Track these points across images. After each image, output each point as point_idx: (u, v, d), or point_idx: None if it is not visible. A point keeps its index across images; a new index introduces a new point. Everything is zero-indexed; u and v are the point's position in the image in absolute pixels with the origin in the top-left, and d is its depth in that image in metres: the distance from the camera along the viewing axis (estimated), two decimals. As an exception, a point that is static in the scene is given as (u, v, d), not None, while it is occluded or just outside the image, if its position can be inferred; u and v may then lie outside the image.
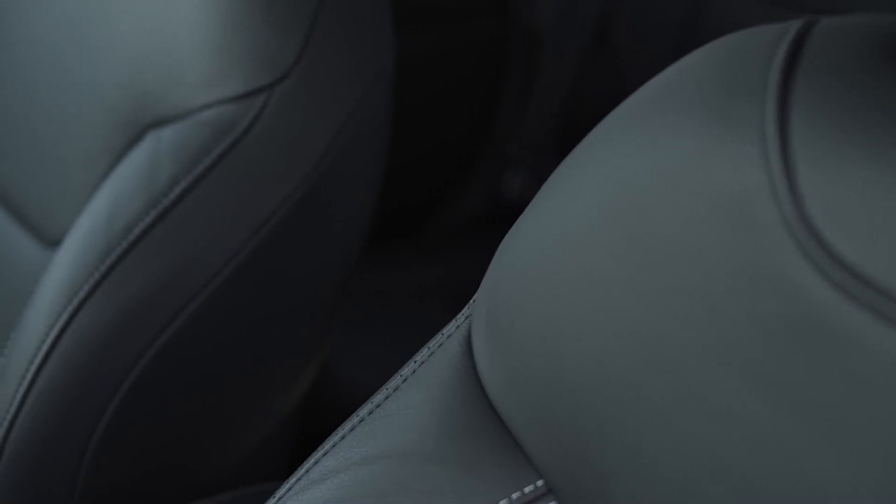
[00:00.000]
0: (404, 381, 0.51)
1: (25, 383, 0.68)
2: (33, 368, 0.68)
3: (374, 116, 0.73)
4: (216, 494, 0.76)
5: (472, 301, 0.51)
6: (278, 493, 0.51)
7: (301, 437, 0.86)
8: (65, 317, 0.68)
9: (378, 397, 0.51)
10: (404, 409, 0.50)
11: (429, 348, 0.51)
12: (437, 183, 1.42)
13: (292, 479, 0.51)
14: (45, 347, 0.68)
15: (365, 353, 1.10)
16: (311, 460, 0.51)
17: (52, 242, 0.77)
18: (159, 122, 0.71)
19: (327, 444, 0.51)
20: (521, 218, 0.50)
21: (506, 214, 1.47)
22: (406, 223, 1.37)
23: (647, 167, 0.43)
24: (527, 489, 0.46)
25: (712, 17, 1.29)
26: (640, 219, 0.43)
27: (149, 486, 0.74)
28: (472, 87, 1.40)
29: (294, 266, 0.72)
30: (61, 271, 0.69)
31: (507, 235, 0.50)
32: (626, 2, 1.36)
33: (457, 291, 1.32)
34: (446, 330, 0.51)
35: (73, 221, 0.76)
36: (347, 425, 0.51)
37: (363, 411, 0.51)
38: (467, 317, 0.51)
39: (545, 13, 1.39)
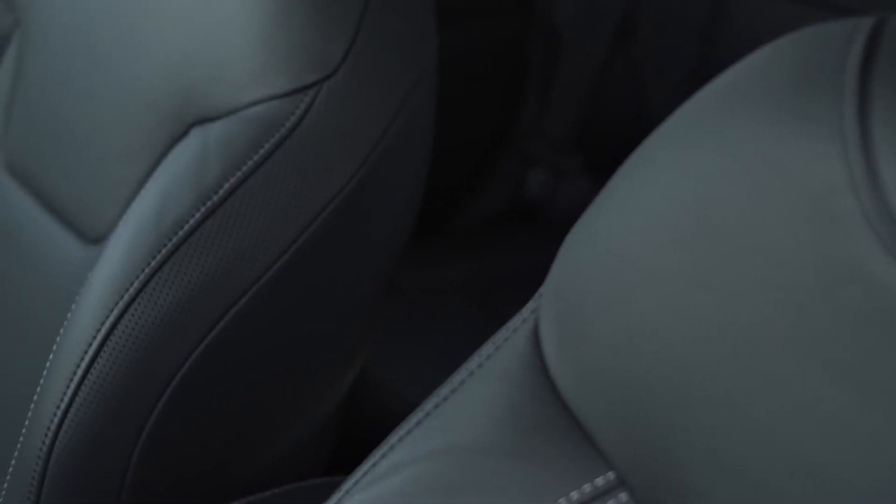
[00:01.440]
0: (470, 374, 0.51)
1: (76, 379, 0.69)
2: (84, 364, 0.68)
3: (419, 113, 0.73)
4: (258, 492, 0.76)
5: (537, 295, 0.52)
6: (344, 487, 0.51)
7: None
8: (116, 313, 0.68)
9: (443, 391, 0.51)
10: (471, 403, 0.50)
11: (494, 342, 0.52)
12: (459, 181, 1.42)
13: (359, 473, 0.51)
14: (95, 344, 0.68)
15: (390, 349, 1.10)
16: (378, 454, 0.51)
17: (94, 240, 0.77)
18: (204, 119, 0.71)
19: (393, 438, 0.51)
20: (587, 213, 0.50)
21: (527, 212, 1.48)
22: (429, 221, 1.37)
23: (723, 163, 0.44)
24: (598, 481, 0.46)
25: (734, 16, 1.30)
26: (717, 214, 0.43)
27: (194, 483, 0.74)
28: (494, 86, 1.40)
29: (341, 262, 0.72)
30: (111, 267, 0.69)
31: (573, 230, 0.50)
32: (647, 1, 1.36)
33: (480, 288, 1.33)
34: (512, 324, 0.52)
35: (114, 218, 0.76)
36: (413, 419, 0.51)
37: (429, 405, 0.51)
38: (533, 311, 0.51)
39: (566, 12, 1.39)
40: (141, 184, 0.74)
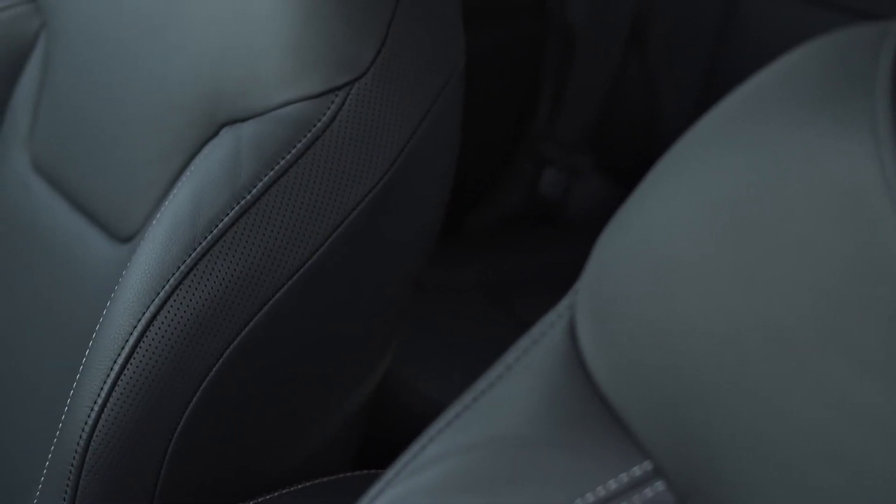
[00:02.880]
0: (508, 368, 0.52)
1: (113, 375, 0.70)
2: (121, 360, 0.70)
3: (447, 113, 0.74)
4: (289, 487, 0.77)
5: (572, 291, 0.53)
6: (385, 478, 0.52)
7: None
8: (152, 309, 0.69)
9: (481, 385, 0.53)
10: (509, 397, 0.51)
11: (530, 337, 0.53)
12: (475, 182, 1.44)
13: (399, 465, 0.52)
14: (132, 340, 0.69)
15: (409, 347, 1.12)
16: (417, 446, 0.52)
17: (124, 239, 0.79)
18: (235, 119, 0.72)
19: (432, 431, 0.52)
20: (622, 210, 0.51)
21: (542, 212, 1.50)
22: (445, 221, 1.39)
23: (757, 163, 0.45)
24: (635, 470, 0.48)
25: (746, 17, 1.31)
26: (753, 213, 0.44)
27: (226, 478, 0.75)
28: (509, 87, 1.41)
29: (370, 261, 0.73)
30: (146, 264, 0.70)
31: (608, 228, 0.52)
32: (659, 2, 1.37)
33: (497, 287, 1.35)
34: (548, 319, 0.53)
35: (144, 217, 0.77)
36: (451, 412, 0.52)
37: (467, 398, 0.52)
38: (569, 306, 0.52)
39: (579, 14, 1.40)
40: (171, 183, 0.76)
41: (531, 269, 1.37)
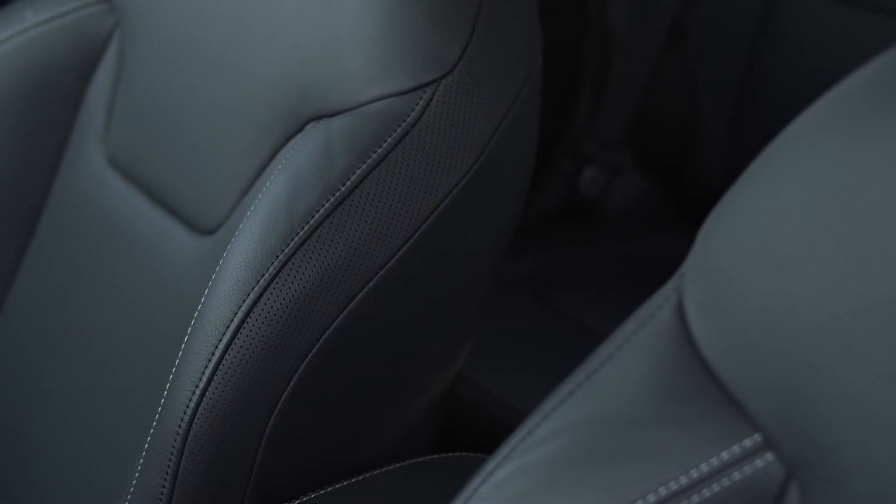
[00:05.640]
0: (618, 348, 0.55)
1: (215, 359, 0.72)
2: (222, 345, 0.72)
3: (528, 109, 0.77)
4: (366, 473, 0.80)
5: (677, 275, 0.55)
6: (501, 453, 0.55)
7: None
8: (252, 297, 0.72)
9: (591, 364, 0.55)
10: (620, 375, 0.54)
11: (637, 319, 0.56)
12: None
13: (514, 440, 0.55)
14: (232, 327, 0.72)
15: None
16: (532, 422, 0.55)
17: (206, 232, 0.81)
18: (322, 115, 0.75)
19: (546, 408, 0.55)
20: (728, 196, 0.54)
21: (581, 209, 1.52)
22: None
23: (866, 153, 0.48)
24: (745, 442, 0.50)
25: (785, 17, 1.33)
26: (861, 202, 0.47)
27: (315, 463, 0.78)
28: (550, 86, 1.44)
29: (458, 251, 0.76)
30: (245, 253, 0.73)
31: (713, 213, 0.54)
32: (699, 2, 1.40)
33: (538, 281, 1.37)
34: (654, 302, 0.56)
35: (227, 211, 0.79)
36: (564, 390, 0.55)
37: (579, 376, 0.55)
38: (675, 289, 0.55)
39: (619, 13, 1.43)
40: (254, 177, 0.78)
41: (571, 265, 1.40)
